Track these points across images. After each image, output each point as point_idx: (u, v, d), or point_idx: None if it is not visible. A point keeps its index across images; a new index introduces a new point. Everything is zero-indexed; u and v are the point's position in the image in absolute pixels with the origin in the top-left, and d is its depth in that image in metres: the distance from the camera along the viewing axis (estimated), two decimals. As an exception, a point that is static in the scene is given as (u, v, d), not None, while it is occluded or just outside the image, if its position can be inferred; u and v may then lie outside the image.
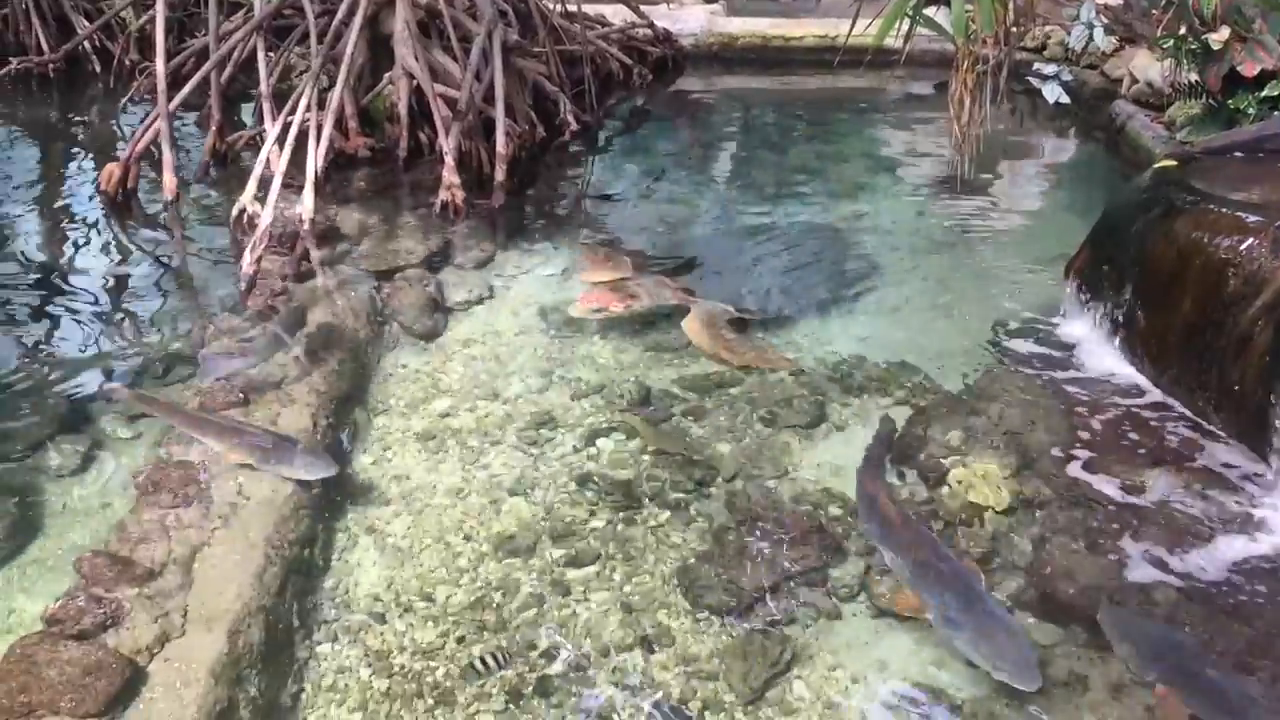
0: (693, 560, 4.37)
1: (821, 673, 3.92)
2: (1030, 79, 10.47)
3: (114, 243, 7.27)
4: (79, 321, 6.17)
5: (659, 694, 3.82)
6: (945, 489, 4.71)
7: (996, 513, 4.58)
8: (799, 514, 4.59)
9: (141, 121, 7.92)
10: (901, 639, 4.09)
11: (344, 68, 7.57)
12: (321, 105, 7.41)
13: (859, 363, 5.77)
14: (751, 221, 7.80)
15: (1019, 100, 10.18)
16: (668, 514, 4.71)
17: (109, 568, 3.89)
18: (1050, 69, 10.46)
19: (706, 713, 3.73)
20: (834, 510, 4.68)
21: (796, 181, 8.73)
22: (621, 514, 4.70)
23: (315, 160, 6.97)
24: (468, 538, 4.59)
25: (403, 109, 8.21)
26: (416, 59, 8.04)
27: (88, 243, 7.22)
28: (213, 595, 3.85)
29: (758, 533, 4.46)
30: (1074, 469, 4.88)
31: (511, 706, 3.78)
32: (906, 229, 7.74)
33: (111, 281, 6.70)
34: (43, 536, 4.48)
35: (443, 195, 7.40)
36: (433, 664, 3.96)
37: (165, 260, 7.07)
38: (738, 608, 4.14)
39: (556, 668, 3.94)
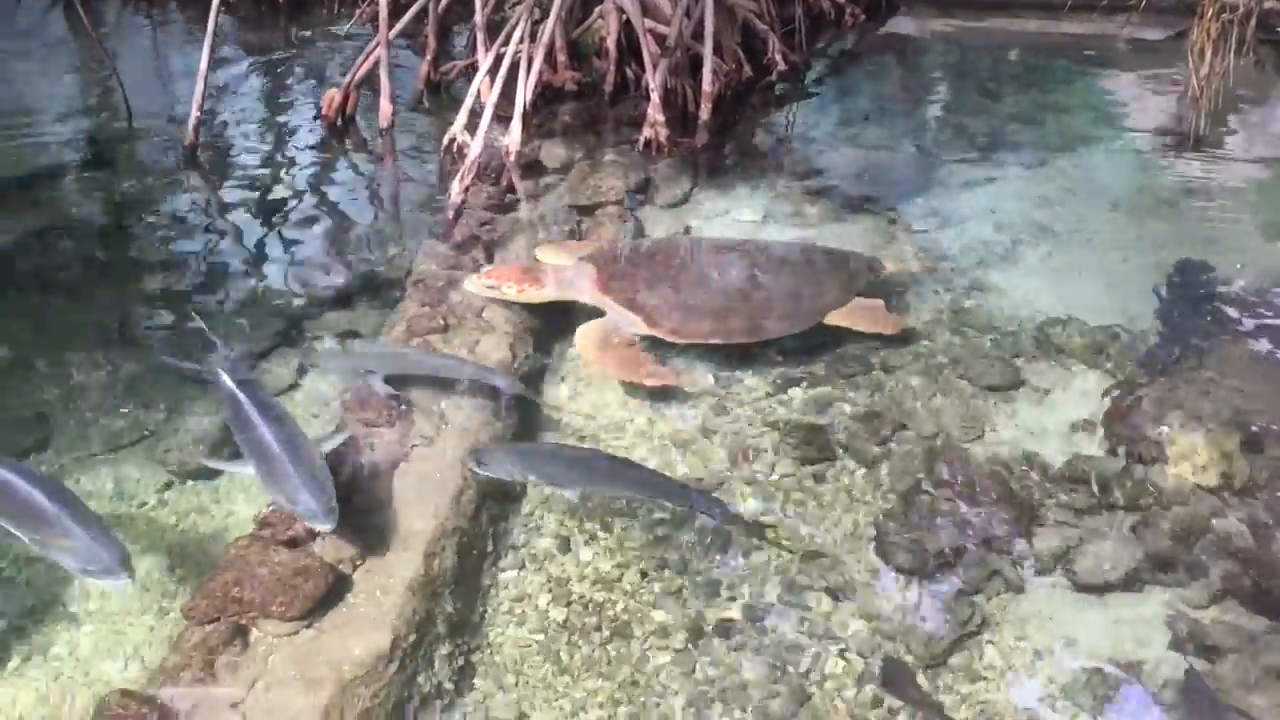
0: (881, 517, 4.30)
1: (1009, 642, 3.82)
2: None
3: (332, 167, 7.58)
4: (295, 242, 6.48)
5: (839, 645, 3.80)
6: (1156, 466, 4.47)
7: (1210, 492, 4.33)
8: (994, 478, 4.43)
9: (362, 49, 8.17)
10: (1096, 616, 3.93)
11: (557, 1, 7.61)
12: (533, 38, 7.49)
13: (1067, 325, 5.49)
14: (959, 171, 7.51)
15: (1265, 52, 9.42)
16: (857, 467, 4.64)
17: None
18: (1303, 19, 9.65)
19: (890, 672, 3.69)
20: (1031, 476, 4.50)
21: (1010, 131, 8.34)
22: (810, 464, 4.65)
23: (524, 92, 7.06)
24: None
25: (611, 44, 8.22)
26: (627, -7, 8.03)
27: (307, 166, 7.55)
28: (412, 512, 4.01)
29: (949, 494, 4.34)
30: (1302, 452, 4.56)
31: (690, 646, 3.82)
32: (1128, 187, 7.31)
33: (328, 205, 7.00)
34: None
35: (646, 132, 7.40)
36: (611, 596, 4.04)
37: (378, 186, 7.34)
38: (925, 569, 4.05)
39: (736, 610, 3.96)
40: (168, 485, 4.56)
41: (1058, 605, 3.99)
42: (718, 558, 4.19)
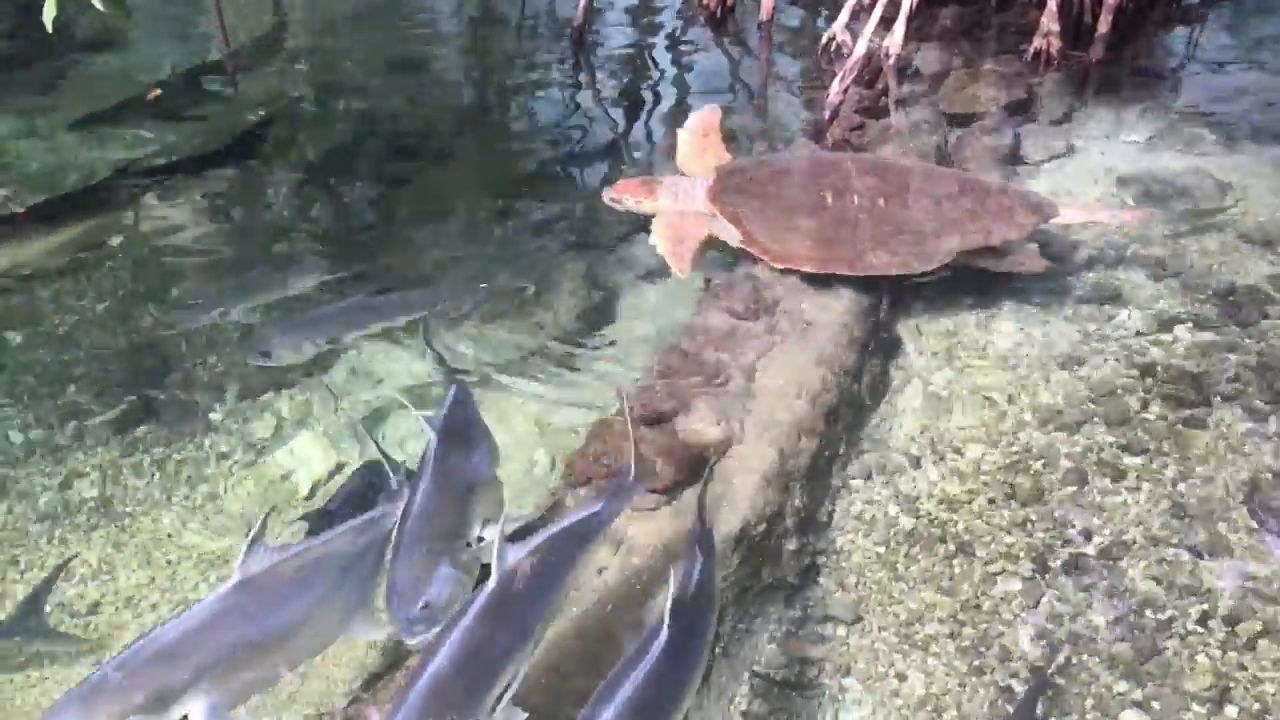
0: (1267, 476, 3.99)
1: None
2: None
3: (708, 57, 7.69)
4: (664, 129, 6.69)
5: (1205, 604, 3.59)
6: None
7: None
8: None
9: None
10: None
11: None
12: (923, -62, 7.21)
13: None
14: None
15: None
16: (1241, 420, 4.31)
17: (680, 363, 4.25)
18: None
19: (1261, 639, 3.46)
20: None
21: None
22: (1185, 410, 4.37)
23: (911, -6, 6.84)
24: (1011, 400, 4.51)
25: (1005, -54, 7.80)
26: (1032, -108, 7.54)
27: (685, 55, 7.72)
28: (770, 406, 4.09)
29: (1353, 463, 3.97)
30: None
31: (1038, 576, 3.73)
32: None
33: (700, 94, 7.15)
34: (615, 325, 5.02)
35: (1037, 42, 7.00)
36: (957, 516, 4.00)
37: (751, 79, 7.39)
38: (1313, 538, 3.75)
39: (1090, 549, 3.82)
40: (529, 355, 4.88)
41: None
42: (1066, 491, 4.04)
